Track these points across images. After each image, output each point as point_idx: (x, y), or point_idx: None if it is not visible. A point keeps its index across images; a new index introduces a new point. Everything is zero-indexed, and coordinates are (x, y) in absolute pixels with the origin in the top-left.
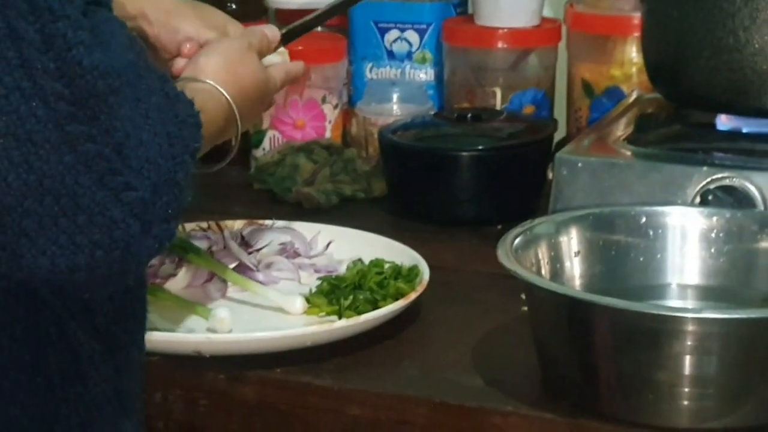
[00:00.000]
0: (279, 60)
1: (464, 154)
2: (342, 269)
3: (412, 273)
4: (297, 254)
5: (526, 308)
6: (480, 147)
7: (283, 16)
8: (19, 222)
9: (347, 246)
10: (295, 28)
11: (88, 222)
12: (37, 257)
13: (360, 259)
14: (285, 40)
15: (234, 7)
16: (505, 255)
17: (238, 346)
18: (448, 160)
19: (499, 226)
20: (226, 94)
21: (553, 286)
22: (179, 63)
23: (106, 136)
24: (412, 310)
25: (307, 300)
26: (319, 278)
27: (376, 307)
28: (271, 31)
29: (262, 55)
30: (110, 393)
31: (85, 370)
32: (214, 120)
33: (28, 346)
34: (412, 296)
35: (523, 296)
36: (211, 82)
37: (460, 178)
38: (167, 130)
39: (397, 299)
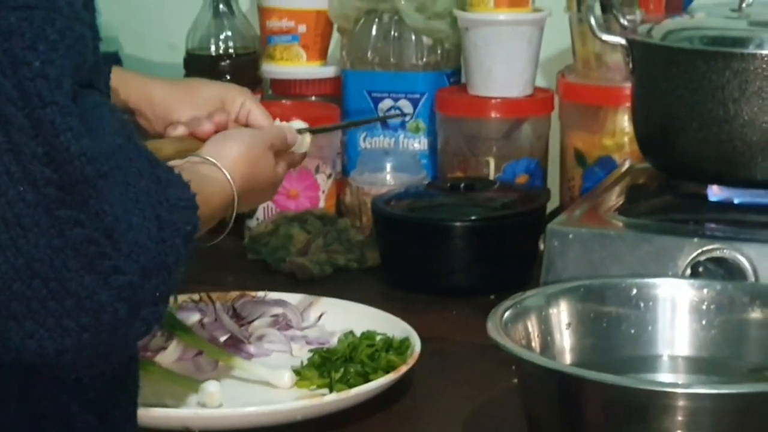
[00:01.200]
0: (304, 126)
1: (457, 224)
2: (334, 341)
3: (404, 345)
4: (289, 326)
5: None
6: (473, 217)
7: (277, 86)
8: (7, 305)
9: (339, 317)
10: (314, 130)
11: (75, 305)
12: (24, 340)
13: (351, 332)
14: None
15: (229, 78)
16: (494, 328)
17: (227, 421)
18: (441, 231)
19: (492, 296)
20: (232, 183)
21: (542, 361)
22: (206, 125)
23: (95, 221)
24: (403, 382)
25: (298, 373)
26: (310, 350)
27: (367, 380)
28: (291, 134)
29: (278, 153)
30: None
31: None
32: (208, 201)
33: (23, 420)
34: (403, 369)
35: (514, 368)
36: (223, 170)
37: (453, 249)
38: (157, 213)
39: (388, 372)
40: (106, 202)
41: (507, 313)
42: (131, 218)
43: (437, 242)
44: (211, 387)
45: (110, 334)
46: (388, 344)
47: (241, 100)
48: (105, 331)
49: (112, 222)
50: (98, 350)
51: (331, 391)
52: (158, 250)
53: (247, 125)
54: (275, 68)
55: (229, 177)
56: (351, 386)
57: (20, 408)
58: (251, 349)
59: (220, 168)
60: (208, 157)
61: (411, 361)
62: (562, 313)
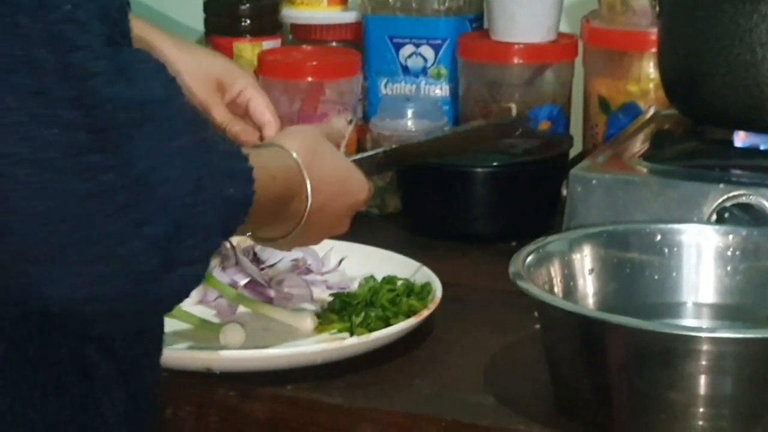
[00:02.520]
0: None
1: (478, 170)
2: (354, 286)
3: (425, 290)
4: (309, 271)
5: (539, 326)
6: (494, 163)
7: (297, 31)
8: (38, 250)
9: (360, 263)
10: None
11: (105, 252)
12: (52, 286)
13: (372, 276)
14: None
15: (248, 22)
16: (517, 273)
17: (248, 363)
18: (463, 177)
19: (514, 243)
20: (300, 163)
21: (566, 305)
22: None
23: (127, 168)
24: (424, 327)
25: (318, 317)
26: (331, 295)
27: (387, 324)
28: (340, 123)
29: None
30: (121, 417)
31: (97, 394)
32: (274, 177)
33: (41, 365)
34: (425, 314)
35: (537, 314)
36: (293, 152)
37: (475, 195)
38: (199, 173)
39: (409, 317)
40: (139, 151)
41: (529, 258)
42: (166, 171)
43: (458, 188)
44: (233, 329)
45: (140, 285)
46: (409, 289)
47: (241, 85)
48: (134, 280)
49: (145, 171)
50: (128, 302)
51: (351, 334)
52: (195, 209)
53: (246, 113)
54: (296, 13)
55: (295, 156)
56: (372, 330)
57: (39, 353)
58: (271, 293)
59: (279, 146)
60: (290, 151)
61: (432, 306)
62: (585, 259)
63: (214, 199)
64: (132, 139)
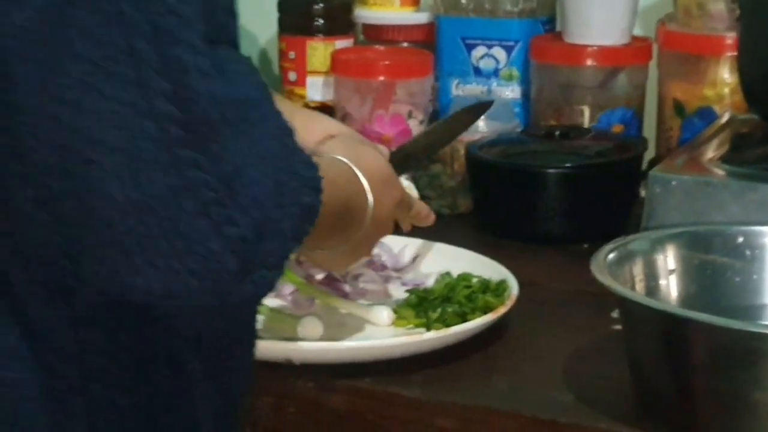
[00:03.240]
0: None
1: (552, 171)
2: (429, 283)
3: (501, 287)
4: (384, 267)
5: (616, 327)
6: (568, 164)
7: (370, 32)
8: (120, 239)
9: (434, 260)
10: (406, 146)
11: (186, 248)
12: (132, 277)
13: (448, 273)
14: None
15: (321, 22)
16: (599, 270)
17: (328, 355)
18: (536, 177)
19: (586, 245)
20: (353, 166)
21: (651, 302)
22: None
23: (215, 166)
24: (500, 324)
25: (395, 312)
26: (406, 291)
27: (464, 320)
28: (381, 148)
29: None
30: (210, 412)
31: (187, 387)
32: (337, 185)
33: (134, 355)
34: (501, 310)
35: (614, 314)
36: (338, 157)
37: (547, 196)
38: (280, 177)
39: (485, 313)
40: (228, 150)
41: (610, 256)
42: (253, 173)
43: (531, 189)
44: (311, 322)
45: (217, 285)
46: (486, 286)
47: None
48: (212, 280)
49: (232, 171)
50: (204, 300)
51: (428, 330)
52: (275, 213)
53: None
54: (368, 13)
55: (360, 176)
56: (448, 326)
57: (130, 342)
58: (347, 288)
59: (331, 156)
60: (340, 157)
61: (509, 303)
62: (667, 259)
63: (292, 205)
64: (223, 137)
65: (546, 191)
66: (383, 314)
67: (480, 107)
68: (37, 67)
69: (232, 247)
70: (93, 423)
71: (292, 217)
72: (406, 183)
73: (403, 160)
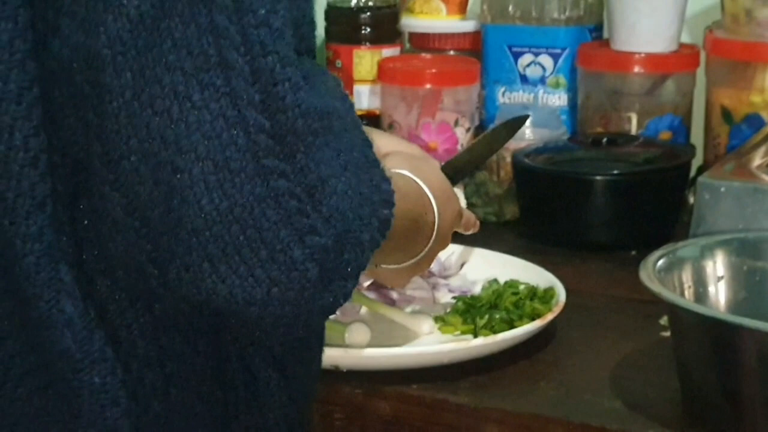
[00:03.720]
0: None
1: (599, 178)
2: (476, 290)
3: (548, 294)
4: (431, 274)
5: (664, 333)
6: (615, 171)
7: (416, 40)
8: (205, 246)
9: (481, 267)
10: (452, 161)
11: (268, 257)
12: (216, 284)
13: (495, 280)
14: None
15: (368, 30)
16: (647, 277)
17: (375, 361)
18: (583, 185)
19: (633, 252)
20: (432, 200)
21: (700, 309)
22: None
23: (300, 176)
24: (548, 331)
25: (443, 319)
26: (453, 298)
27: (512, 327)
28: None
29: None
30: (281, 420)
31: (261, 395)
32: (406, 200)
33: (210, 360)
34: (549, 317)
35: (662, 321)
36: (406, 173)
37: (595, 203)
38: (361, 189)
39: (533, 320)
40: (313, 160)
41: (660, 263)
42: (336, 183)
43: (578, 196)
44: (358, 328)
45: (298, 294)
46: (533, 293)
47: None
48: (293, 289)
49: (316, 181)
50: (285, 309)
51: (475, 337)
52: (356, 224)
53: None
54: (415, 21)
55: (427, 190)
56: (496, 332)
57: (208, 348)
58: (394, 295)
59: (419, 182)
60: (405, 172)
61: (557, 310)
62: (716, 266)
63: (371, 217)
64: (309, 147)
65: (593, 198)
66: (424, 323)
67: (516, 122)
68: (131, 76)
69: (313, 255)
70: (171, 427)
71: (370, 228)
72: (456, 191)
73: (453, 174)
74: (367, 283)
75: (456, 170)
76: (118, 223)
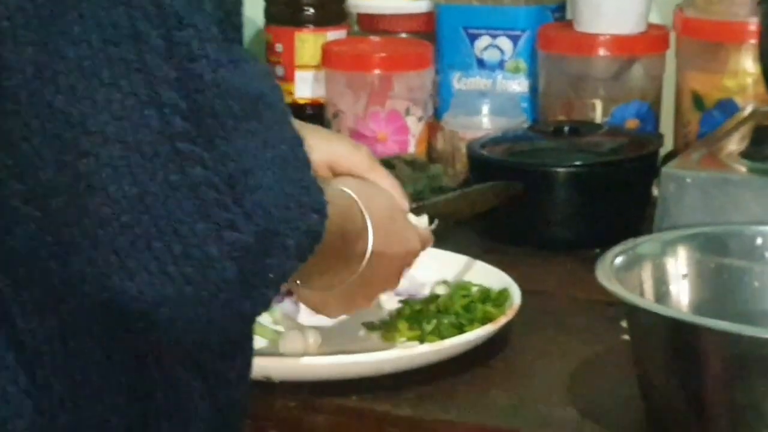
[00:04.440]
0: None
1: (561, 170)
2: (425, 292)
3: (502, 296)
4: None
5: (625, 337)
6: (578, 163)
7: (365, 22)
8: (112, 238)
9: (431, 268)
10: (430, 207)
11: (182, 252)
12: (123, 280)
13: (445, 281)
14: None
15: (312, 11)
16: (604, 275)
17: (311, 372)
18: (544, 177)
19: (597, 251)
20: (359, 202)
21: (659, 309)
22: None
23: (219, 164)
24: (501, 336)
25: (387, 325)
26: (400, 301)
27: (461, 332)
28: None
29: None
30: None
31: (183, 406)
32: (341, 217)
33: (125, 368)
34: (502, 321)
35: (623, 323)
36: (346, 190)
37: (556, 197)
38: (289, 189)
39: (484, 324)
40: (235, 148)
41: (618, 260)
42: (261, 176)
43: (539, 190)
44: (294, 336)
45: (213, 295)
46: (485, 295)
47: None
48: (208, 289)
49: (238, 171)
50: (198, 311)
51: (421, 343)
52: (281, 226)
53: None
54: (363, 2)
55: (352, 193)
56: (444, 338)
57: (123, 357)
58: None
59: (336, 187)
60: (346, 189)
61: (510, 313)
62: (679, 263)
63: (298, 221)
64: (231, 133)
65: (555, 192)
66: (295, 339)
67: (506, 188)
68: (32, 50)
69: (232, 254)
70: None
71: (297, 234)
72: (416, 220)
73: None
74: None
75: (424, 212)
76: (16, 213)
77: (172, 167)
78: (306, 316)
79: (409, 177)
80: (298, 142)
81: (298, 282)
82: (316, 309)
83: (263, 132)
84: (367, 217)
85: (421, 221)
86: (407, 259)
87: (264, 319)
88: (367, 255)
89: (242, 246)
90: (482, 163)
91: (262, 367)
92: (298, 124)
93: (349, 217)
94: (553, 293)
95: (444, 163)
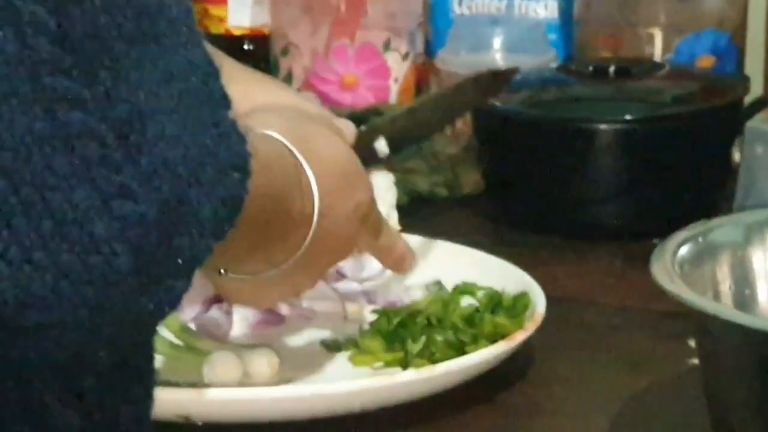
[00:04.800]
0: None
1: (604, 128)
2: (410, 298)
3: (519, 303)
4: (341, 276)
5: (694, 360)
6: (628, 117)
7: None
8: None
9: (420, 264)
10: (380, 127)
11: (54, 230)
12: None
13: (439, 283)
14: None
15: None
16: (664, 273)
17: (246, 409)
18: (579, 137)
19: (655, 240)
20: (292, 148)
21: (744, 319)
22: None
23: (104, 105)
24: (519, 360)
25: (358, 344)
26: (374, 311)
27: (461, 353)
28: (347, 125)
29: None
30: None
31: None
32: (268, 173)
33: None
34: (519, 338)
35: (691, 342)
36: (275, 134)
37: (598, 166)
38: (202, 137)
39: (494, 342)
40: (127, 81)
41: (683, 251)
42: (165, 122)
43: (572, 156)
44: (225, 358)
45: (100, 292)
46: (496, 302)
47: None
48: (94, 283)
49: (132, 116)
50: (78, 315)
51: (405, 369)
52: (193, 192)
53: None
54: None
55: (282, 139)
56: (437, 362)
57: None
58: (283, 309)
59: (262, 131)
60: (273, 134)
61: (531, 327)
62: None
63: (215, 184)
64: (120, 61)
65: (594, 158)
66: (259, 362)
67: (496, 77)
68: None
69: (126, 233)
70: None
71: (214, 201)
72: (382, 182)
73: (370, 148)
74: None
75: (383, 137)
76: None
77: (39, 111)
78: (241, 327)
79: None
80: (211, 72)
81: (222, 271)
82: (242, 301)
83: (165, 59)
84: (309, 170)
85: (380, 150)
86: (364, 220)
87: (179, 334)
88: (315, 221)
89: (140, 222)
90: (494, 119)
91: (178, 402)
92: (218, 56)
93: (281, 172)
94: (591, 300)
95: None
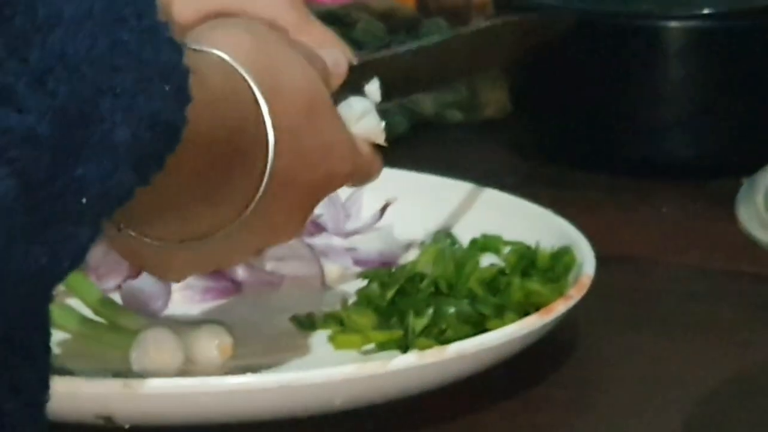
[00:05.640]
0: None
1: (673, 25)
2: (409, 257)
3: (560, 263)
4: (320, 228)
5: None
6: (706, 11)
7: None
8: None
9: (423, 210)
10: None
11: None
12: None
13: (450, 235)
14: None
15: None
16: (755, 220)
17: (186, 407)
18: (640, 40)
19: (742, 178)
20: (244, 73)
21: None
22: None
23: None
24: (559, 337)
25: (341, 319)
26: (361, 275)
27: (482, 330)
28: (336, 59)
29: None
30: None
31: None
32: (213, 103)
33: None
34: (559, 309)
35: None
36: (226, 57)
37: (664, 78)
38: (116, 31)
39: (527, 315)
40: None
41: None
42: (64, 3)
43: (631, 65)
44: (160, 336)
45: None
46: (528, 261)
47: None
48: None
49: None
50: None
51: (405, 350)
52: (104, 100)
53: None
54: None
55: (259, 97)
56: (445, 342)
57: None
58: (239, 274)
59: (209, 51)
60: (222, 54)
61: (575, 294)
62: None
63: (135, 94)
64: None
65: (662, 69)
66: (207, 344)
67: (548, 26)
68: None
69: (8, 152)
70: None
71: (132, 116)
72: (361, 104)
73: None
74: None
75: (377, 79)
76: None
77: None
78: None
79: (384, 44)
80: None
81: (132, 233)
82: (154, 269)
83: None
84: (265, 110)
85: (371, 95)
86: (330, 186)
87: (98, 308)
88: (265, 181)
89: (26, 137)
90: (526, 15)
91: (96, 398)
92: None
93: (230, 103)
94: (656, 259)
95: (450, 17)
